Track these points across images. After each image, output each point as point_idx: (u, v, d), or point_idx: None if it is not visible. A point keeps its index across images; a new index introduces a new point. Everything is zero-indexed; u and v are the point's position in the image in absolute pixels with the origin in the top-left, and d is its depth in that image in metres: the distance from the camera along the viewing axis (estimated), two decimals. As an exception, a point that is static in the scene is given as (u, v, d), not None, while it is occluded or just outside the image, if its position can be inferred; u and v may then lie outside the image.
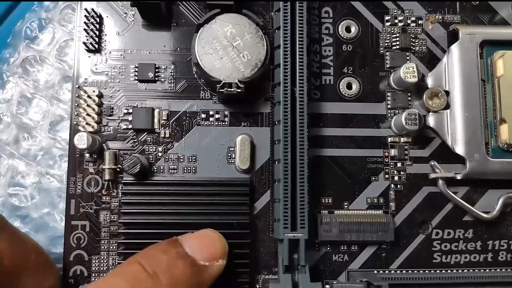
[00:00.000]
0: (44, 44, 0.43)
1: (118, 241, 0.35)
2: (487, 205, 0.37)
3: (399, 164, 0.37)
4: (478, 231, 0.37)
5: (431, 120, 0.36)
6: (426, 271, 0.36)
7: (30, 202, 0.41)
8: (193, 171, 0.36)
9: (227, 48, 0.34)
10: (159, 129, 0.36)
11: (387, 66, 0.38)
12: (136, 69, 0.37)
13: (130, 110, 0.36)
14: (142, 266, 0.28)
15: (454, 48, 0.37)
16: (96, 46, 0.36)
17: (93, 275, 0.35)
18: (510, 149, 0.36)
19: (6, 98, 0.42)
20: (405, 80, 0.36)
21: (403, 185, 0.37)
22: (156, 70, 0.37)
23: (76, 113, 0.36)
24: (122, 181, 0.35)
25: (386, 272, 0.36)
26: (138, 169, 0.33)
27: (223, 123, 0.37)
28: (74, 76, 0.36)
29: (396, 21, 0.39)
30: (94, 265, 0.35)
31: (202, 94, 0.37)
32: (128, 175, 0.34)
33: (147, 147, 0.36)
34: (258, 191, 0.36)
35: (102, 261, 0.35)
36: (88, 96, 0.36)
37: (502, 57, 0.36)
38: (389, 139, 0.37)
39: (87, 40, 0.36)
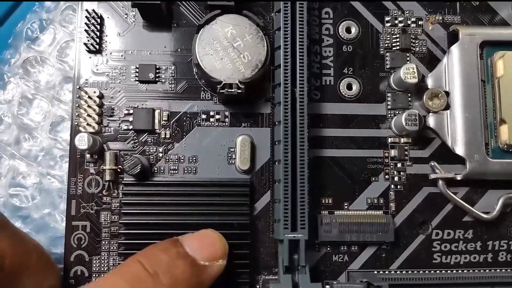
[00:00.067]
0: (45, 45, 0.43)
1: (119, 241, 0.35)
2: (487, 206, 0.37)
3: (399, 165, 0.37)
4: (478, 232, 0.37)
5: (431, 121, 0.36)
6: (426, 272, 0.36)
7: (31, 202, 0.41)
8: (194, 171, 0.36)
9: (228, 49, 0.34)
10: (160, 130, 0.36)
11: (387, 66, 0.38)
12: (137, 70, 0.37)
13: (131, 111, 0.36)
14: (142, 265, 0.28)
15: (454, 48, 0.37)
16: (97, 47, 0.36)
17: (94, 275, 0.35)
18: (510, 150, 0.36)
19: (7, 99, 0.42)
20: (405, 80, 0.36)
21: (403, 186, 0.37)
22: (157, 71, 0.37)
23: (77, 114, 0.36)
24: (123, 182, 0.35)
25: (386, 272, 0.36)
26: (138, 170, 0.34)
27: (224, 124, 0.37)
28: (75, 77, 0.37)
29: (396, 21, 0.39)
30: (94, 265, 0.35)
31: (203, 94, 0.37)
32: (129, 176, 0.34)
33: (148, 148, 0.36)
34: (258, 191, 0.36)
35: (102, 261, 0.35)
36: (89, 97, 0.36)
37: (502, 58, 0.36)
38: (389, 140, 0.37)
39: (88, 41, 0.36)
